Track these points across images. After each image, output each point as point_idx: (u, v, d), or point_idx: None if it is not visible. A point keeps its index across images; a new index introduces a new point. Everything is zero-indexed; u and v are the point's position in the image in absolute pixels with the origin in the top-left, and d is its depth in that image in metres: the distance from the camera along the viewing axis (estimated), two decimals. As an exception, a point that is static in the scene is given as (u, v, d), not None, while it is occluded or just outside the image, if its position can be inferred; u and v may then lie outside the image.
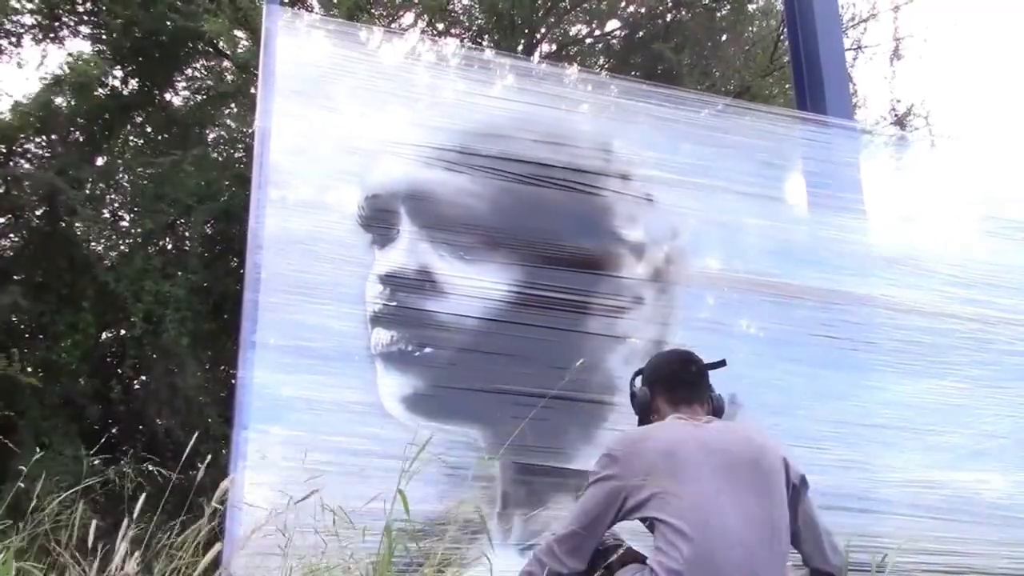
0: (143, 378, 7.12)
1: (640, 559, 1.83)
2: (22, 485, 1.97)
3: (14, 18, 6.99)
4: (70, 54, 6.98)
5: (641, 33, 8.92)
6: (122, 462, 2.08)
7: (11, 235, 7.02)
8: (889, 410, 2.91)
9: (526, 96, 3.06)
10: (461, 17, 8.64)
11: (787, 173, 3.30)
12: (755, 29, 9.29)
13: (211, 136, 8.08)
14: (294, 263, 2.62)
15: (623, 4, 9.03)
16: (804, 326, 3.01)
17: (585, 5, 8.98)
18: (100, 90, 7.10)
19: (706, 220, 3.07)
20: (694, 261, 3.03)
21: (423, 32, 8.21)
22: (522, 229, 2.83)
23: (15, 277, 6.75)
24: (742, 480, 1.80)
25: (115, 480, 2.05)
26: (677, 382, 2.02)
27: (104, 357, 7.17)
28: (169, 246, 7.30)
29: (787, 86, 8.14)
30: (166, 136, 7.75)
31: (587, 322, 2.82)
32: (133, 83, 7.42)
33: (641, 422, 2.09)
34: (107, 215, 7.33)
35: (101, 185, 7.19)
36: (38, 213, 6.78)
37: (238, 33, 7.22)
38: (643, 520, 1.82)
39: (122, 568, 1.63)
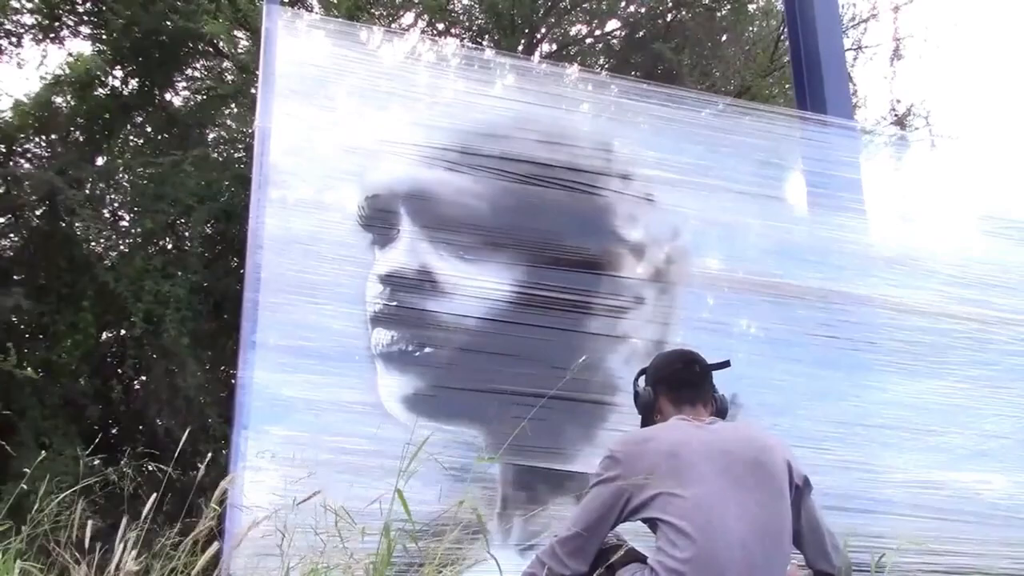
0: (143, 378, 7.12)
1: (640, 558, 1.83)
2: (24, 487, 1.97)
3: (14, 18, 6.99)
4: (70, 54, 6.99)
5: (641, 33, 8.91)
6: (122, 462, 2.08)
7: (11, 235, 7.02)
8: (889, 410, 2.91)
9: (526, 96, 3.06)
10: (461, 17, 8.63)
11: (787, 173, 3.30)
12: (755, 29, 9.28)
13: (211, 136, 8.07)
14: (294, 263, 2.62)
15: (623, 4, 9.02)
16: (804, 326, 3.01)
17: (585, 5, 8.98)
18: (100, 90, 7.09)
19: (706, 220, 3.07)
20: (695, 261, 3.03)
21: (423, 32, 8.21)
22: (522, 229, 2.83)
23: (15, 277, 6.75)
24: (745, 481, 1.80)
25: (115, 480, 2.05)
26: (681, 383, 2.02)
27: (104, 357, 7.16)
28: (169, 246, 7.30)
29: (787, 86, 8.14)
30: (166, 136, 7.74)
31: (588, 322, 2.82)
32: (133, 83, 7.41)
33: (644, 422, 2.09)
34: (107, 215, 7.33)
35: (101, 185, 7.19)
36: (38, 213, 6.78)
37: (238, 33, 7.22)
38: (645, 520, 1.82)
39: (120, 568, 1.63)
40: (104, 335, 7.13)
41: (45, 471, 2.09)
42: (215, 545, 1.74)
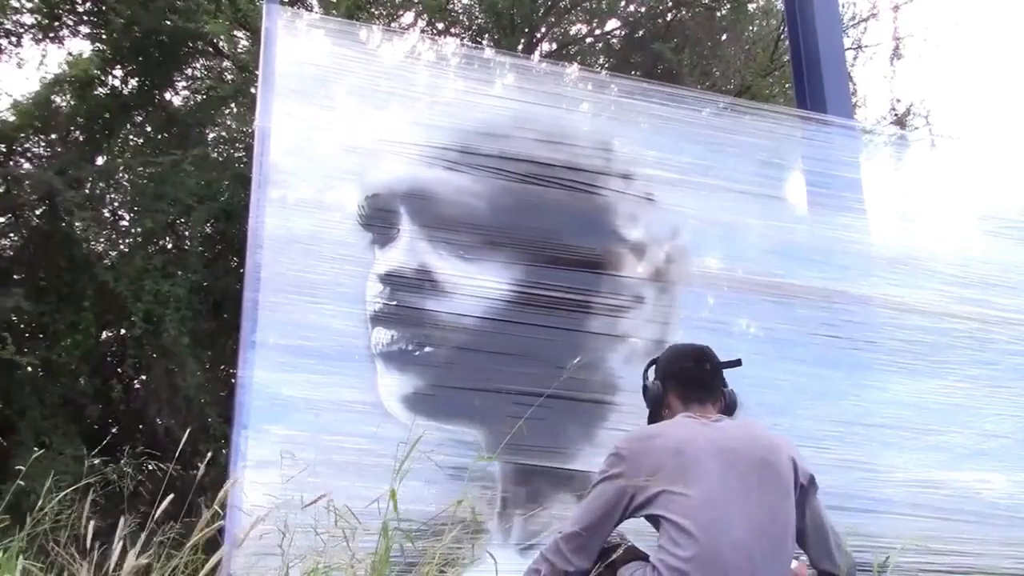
0: (143, 377, 7.11)
1: (642, 557, 1.83)
2: (21, 483, 1.97)
3: (14, 18, 6.99)
4: (70, 53, 6.99)
5: (641, 33, 8.91)
6: (122, 462, 2.08)
7: (11, 235, 7.02)
8: (890, 409, 2.91)
9: (526, 95, 3.06)
10: (461, 16, 8.63)
11: (787, 172, 3.29)
12: (755, 29, 9.28)
13: (211, 136, 8.07)
14: (294, 263, 2.61)
15: (623, 4, 9.02)
16: (805, 325, 3.01)
17: (585, 4, 8.98)
18: (100, 90, 7.10)
19: (707, 219, 3.07)
20: (695, 260, 3.03)
21: (423, 32, 8.21)
22: (522, 228, 2.83)
23: (15, 277, 6.75)
24: (750, 479, 1.80)
25: (115, 480, 2.05)
26: (691, 381, 2.02)
27: (104, 357, 7.16)
28: (169, 246, 7.30)
29: (787, 86, 8.13)
30: (166, 136, 7.74)
31: (588, 321, 2.82)
32: (133, 82, 7.41)
33: (652, 415, 2.09)
34: (107, 215, 7.33)
35: (101, 185, 7.19)
36: (38, 213, 6.78)
37: (238, 33, 7.22)
38: (649, 518, 1.82)
39: (119, 567, 1.63)
40: (104, 335, 7.13)
41: (45, 470, 2.09)
42: (223, 549, 1.74)
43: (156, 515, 1.81)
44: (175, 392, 6.22)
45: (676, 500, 1.76)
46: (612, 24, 9.23)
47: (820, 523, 1.92)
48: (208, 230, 7.04)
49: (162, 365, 6.38)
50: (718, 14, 8.94)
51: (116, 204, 7.44)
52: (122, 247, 7.10)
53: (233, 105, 7.92)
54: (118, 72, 7.31)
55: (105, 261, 6.50)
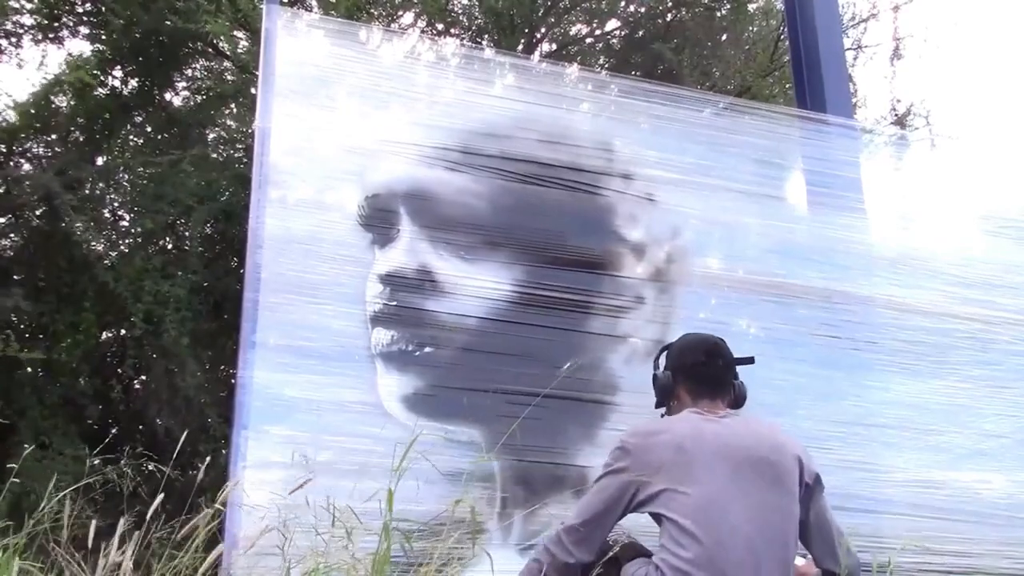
0: (143, 378, 7.11)
1: (646, 554, 1.83)
2: (17, 480, 1.97)
3: (14, 18, 6.99)
4: (70, 54, 6.99)
5: (641, 33, 8.91)
6: (122, 462, 2.08)
7: (11, 235, 7.01)
8: (890, 410, 2.91)
9: (526, 95, 3.06)
10: (461, 17, 8.63)
11: (787, 172, 3.29)
12: (755, 29, 9.28)
13: (211, 136, 8.07)
14: (294, 263, 2.61)
15: (623, 4, 9.02)
16: (805, 325, 3.00)
17: (585, 5, 8.97)
18: (100, 90, 7.09)
19: (707, 219, 3.07)
20: (695, 260, 3.03)
21: (422, 32, 8.21)
22: (523, 229, 2.83)
23: (15, 277, 6.74)
24: (754, 478, 1.80)
25: (115, 479, 2.05)
26: (702, 377, 2.00)
27: (104, 357, 7.16)
28: (169, 246, 7.30)
29: (787, 86, 8.13)
30: (166, 136, 7.74)
31: (588, 322, 2.82)
32: (133, 83, 7.41)
33: (659, 403, 2.09)
34: (107, 215, 7.33)
35: (101, 185, 7.19)
36: (38, 213, 6.78)
37: (238, 33, 7.22)
38: (651, 515, 1.82)
39: (118, 567, 1.62)
40: (104, 335, 7.13)
41: (45, 470, 2.09)
42: (219, 547, 1.74)
43: (151, 514, 1.81)
44: (175, 392, 6.22)
45: (678, 499, 1.75)
46: (612, 24, 9.23)
47: (825, 522, 1.91)
48: (208, 230, 7.04)
49: (162, 365, 6.38)
50: (718, 14, 8.94)
51: (116, 205, 7.44)
52: (122, 247, 7.10)
53: (233, 105, 7.92)
54: (118, 72, 7.31)
55: (105, 262, 6.49)
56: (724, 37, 8.92)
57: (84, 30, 7.31)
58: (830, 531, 1.91)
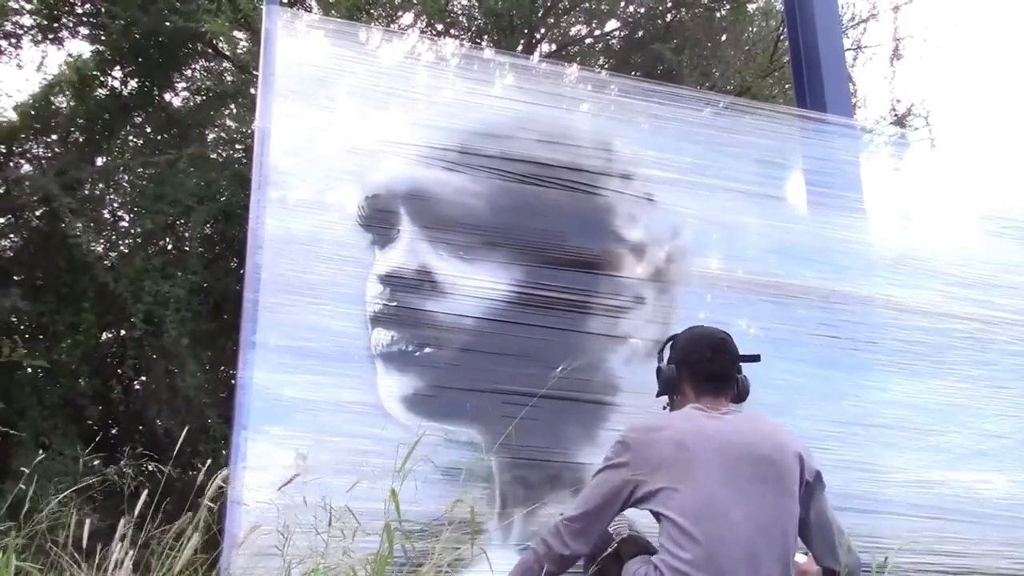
0: (143, 378, 7.11)
1: (650, 550, 1.83)
2: (23, 487, 1.97)
3: (13, 19, 6.99)
4: (70, 54, 6.99)
5: (640, 33, 8.91)
6: (121, 462, 2.08)
7: (11, 235, 7.01)
8: (890, 410, 2.91)
9: (526, 95, 3.06)
10: (460, 17, 8.63)
11: (787, 172, 3.30)
12: (755, 29, 9.28)
13: (211, 136, 8.07)
14: (294, 263, 2.61)
15: (622, 4, 9.02)
16: (804, 325, 3.01)
17: (584, 5, 8.97)
18: (100, 91, 7.09)
19: (707, 219, 3.07)
20: (695, 260, 3.03)
21: (422, 33, 8.21)
22: (522, 229, 2.83)
23: (15, 278, 6.74)
24: (755, 476, 1.80)
25: (115, 480, 2.05)
26: (707, 375, 1.99)
27: (104, 357, 7.16)
28: (169, 246, 7.30)
29: (787, 86, 8.13)
30: (166, 136, 7.74)
31: (588, 322, 2.82)
32: (133, 83, 7.41)
33: (661, 394, 2.09)
34: (107, 215, 7.33)
35: (100, 185, 7.19)
36: (38, 214, 6.78)
37: (238, 34, 7.22)
38: (651, 512, 1.82)
39: (118, 567, 1.62)
40: (104, 335, 7.13)
41: (45, 471, 2.09)
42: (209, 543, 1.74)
43: (152, 516, 1.81)
44: (175, 393, 6.22)
45: (677, 497, 1.76)
46: (611, 25, 9.23)
47: (825, 521, 1.91)
48: (208, 231, 7.04)
49: (162, 366, 6.37)
50: (718, 15, 8.94)
51: (116, 205, 7.44)
52: (122, 248, 7.10)
53: (233, 106, 7.92)
54: (117, 73, 7.31)
55: (105, 262, 6.49)
56: (724, 37, 8.92)
57: (84, 31, 7.31)
58: (831, 529, 1.91)
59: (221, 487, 1.84)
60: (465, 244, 2.77)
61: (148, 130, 7.95)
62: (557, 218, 2.88)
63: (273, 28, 2.84)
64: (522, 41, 8.31)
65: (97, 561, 1.73)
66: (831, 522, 1.92)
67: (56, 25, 7.19)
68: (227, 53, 7.47)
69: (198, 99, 7.97)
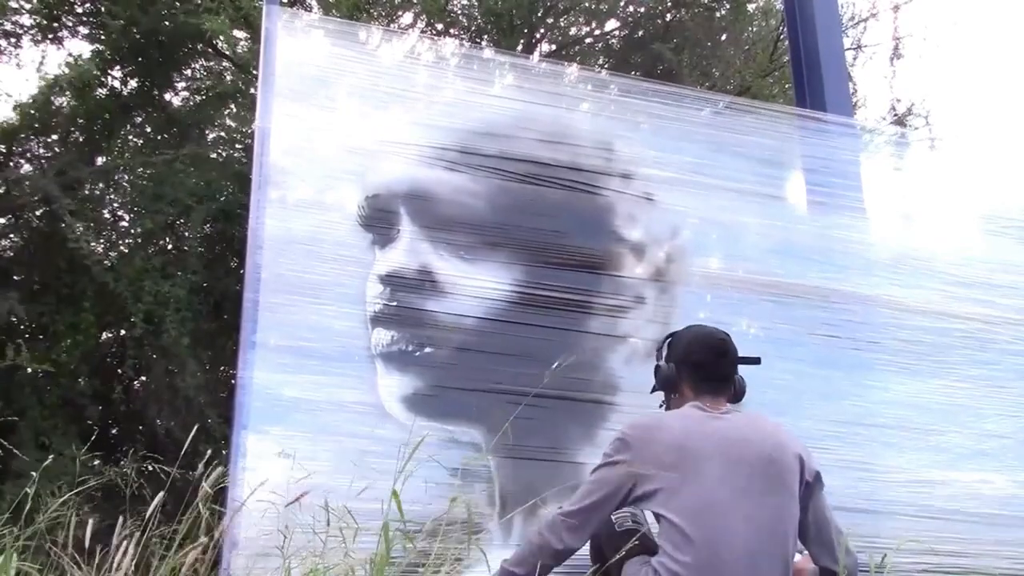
0: (143, 378, 7.11)
1: (652, 549, 1.82)
2: (28, 491, 1.97)
3: (13, 19, 6.99)
4: (70, 54, 6.99)
5: (640, 33, 8.91)
6: (121, 463, 2.08)
7: (11, 235, 7.01)
8: (890, 410, 2.91)
9: (526, 95, 3.06)
10: (460, 17, 8.62)
11: (787, 172, 3.29)
12: (754, 29, 9.28)
13: (211, 136, 8.07)
14: (294, 263, 2.61)
15: (622, 4, 9.02)
16: (805, 325, 3.00)
17: (584, 5, 8.97)
18: (100, 90, 7.09)
19: (707, 219, 3.07)
20: (695, 260, 3.03)
21: (422, 32, 8.21)
22: (522, 228, 2.83)
23: (15, 278, 6.74)
24: (754, 476, 1.80)
25: (115, 480, 2.05)
26: (707, 376, 1.99)
27: (104, 357, 7.15)
28: (169, 246, 7.30)
29: (787, 86, 8.13)
30: (166, 136, 7.74)
31: (588, 322, 2.82)
32: (132, 83, 7.41)
33: (656, 389, 2.10)
34: (107, 215, 7.32)
35: (100, 185, 7.19)
36: (38, 214, 6.78)
37: (238, 32, 7.21)
38: (652, 512, 1.82)
39: (119, 568, 1.62)
40: (104, 335, 7.12)
41: (44, 471, 2.09)
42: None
43: (152, 515, 1.81)
44: (175, 393, 6.21)
45: (675, 499, 1.76)
46: (611, 24, 9.22)
47: (823, 521, 1.91)
48: (208, 230, 7.03)
49: (162, 366, 6.37)
50: (718, 14, 8.94)
51: (116, 205, 7.44)
52: (122, 248, 7.10)
53: (232, 105, 7.92)
54: (117, 73, 7.31)
55: (105, 262, 6.49)
56: (724, 37, 8.92)
57: (83, 30, 7.31)
58: (829, 530, 1.91)
59: (222, 488, 1.84)
60: (466, 244, 2.77)
61: (148, 130, 7.95)
62: (557, 218, 2.88)
63: (273, 28, 2.84)
64: (522, 41, 8.31)
65: (97, 561, 1.73)
66: (830, 522, 1.92)
67: (56, 25, 7.19)
68: (227, 52, 7.47)
69: (198, 99, 7.96)
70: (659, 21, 8.97)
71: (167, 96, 7.88)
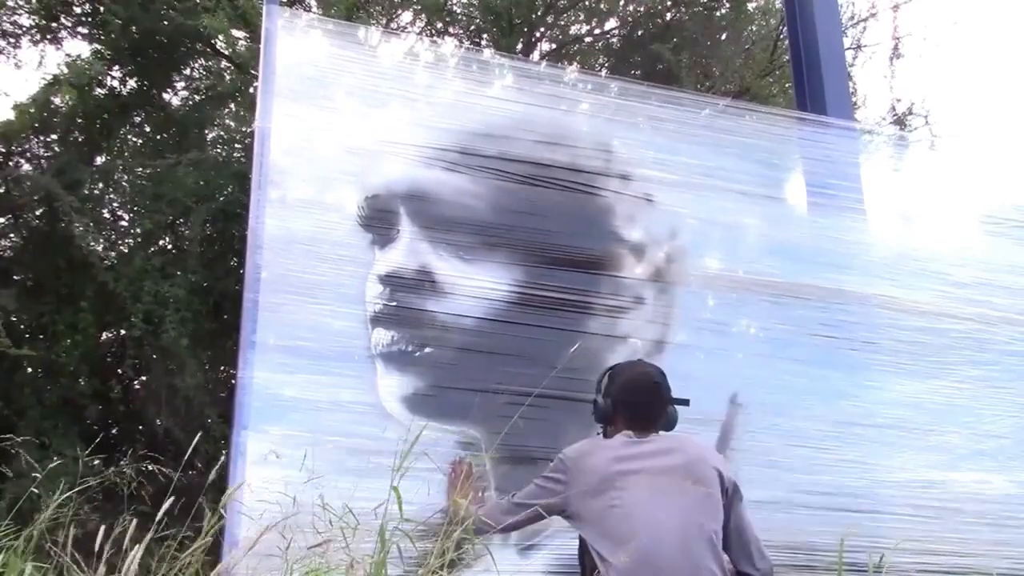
0: (143, 378, 7.11)
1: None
2: (35, 491, 1.97)
3: (12, 19, 6.99)
4: (68, 54, 6.99)
5: (640, 32, 8.91)
6: (122, 463, 2.08)
7: (11, 235, 7.02)
8: (889, 410, 2.91)
9: (525, 96, 3.06)
10: (460, 16, 8.62)
11: (787, 173, 3.30)
12: (754, 28, 9.28)
13: (210, 136, 8.07)
14: (294, 263, 2.61)
15: (622, 3, 9.02)
16: (804, 326, 3.01)
17: (584, 4, 8.97)
18: (99, 90, 7.09)
19: (706, 220, 3.07)
20: (694, 261, 3.03)
21: (421, 31, 8.21)
22: (522, 229, 2.83)
23: (15, 277, 6.75)
24: (675, 479, 1.99)
25: (116, 481, 2.05)
26: (639, 415, 2.17)
27: (104, 357, 7.16)
28: (169, 246, 7.30)
29: (787, 85, 8.13)
30: (165, 136, 7.74)
31: (587, 322, 2.82)
32: (132, 83, 7.41)
33: (597, 421, 2.29)
34: (107, 215, 7.33)
35: (100, 185, 7.19)
36: (38, 213, 6.78)
37: (236, 32, 7.21)
38: (578, 529, 2.04)
39: (123, 569, 1.63)
40: (104, 335, 7.13)
41: (44, 471, 2.09)
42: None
43: (151, 515, 1.81)
44: (175, 393, 6.22)
45: (601, 524, 1.95)
46: (611, 24, 9.23)
47: (741, 529, 2.07)
48: (207, 230, 7.03)
49: (162, 366, 6.38)
50: (717, 14, 8.94)
51: (115, 205, 7.44)
52: (121, 248, 7.10)
53: (232, 105, 7.92)
54: (116, 72, 7.31)
55: (105, 262, 6.49)
56: (724, 36, 8.92)
57: (83, 30, 7.31)
58: (746, 537, 2.08)
59: (222, 488, 1.85)
60: (465, 244, 2.77)
61: (147, 129, 7.96)
62: (557, 218, 2.88)
63: (273, 28, 2.84)
64: (521, 40, 8.32)
65: (97, 562, 1.73)
66: (748, 531, 2.09)
67: (55, 25, 7.19)
68: (226, 52, 7.47)
69: (197, 98, 7.96)
70: (659, 20, 8.98)
71: (166, 96, 7.89)
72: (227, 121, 8.21)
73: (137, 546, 1.66)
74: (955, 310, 3.09)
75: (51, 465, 2.13)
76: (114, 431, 7.22)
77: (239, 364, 2.46)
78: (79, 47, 7.33)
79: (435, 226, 2.77)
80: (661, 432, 2.16)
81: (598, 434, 2.29)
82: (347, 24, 3.64)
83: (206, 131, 7.98)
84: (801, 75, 3.70)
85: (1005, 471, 2.96)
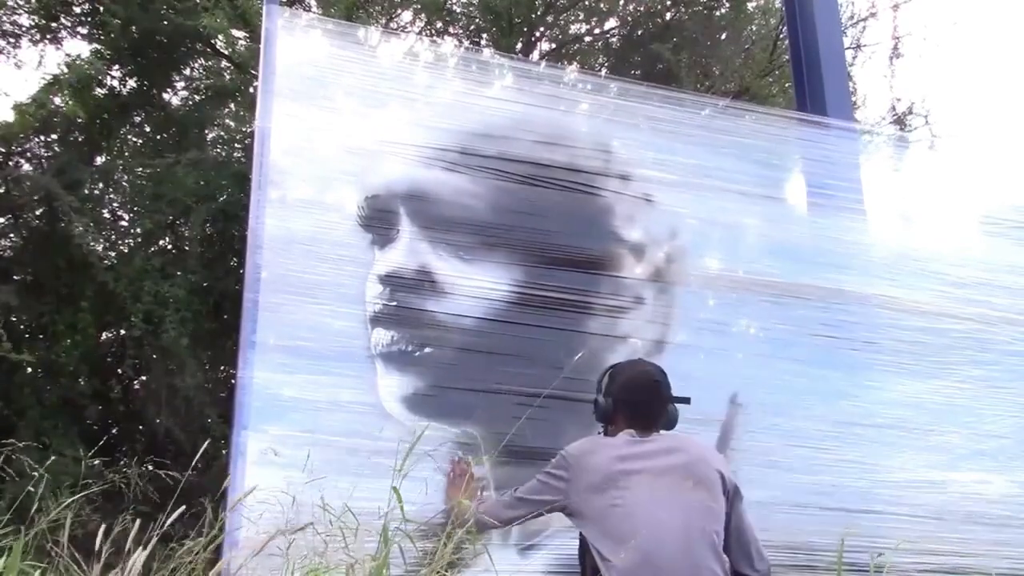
0: (143, 378, 7.11)
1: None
2: (32, 490, 1.97)
3: (11, 19, 6.99)
4: (68, 54, 6.98)
5: (640, 32, 8.91)
6: (122, 463, 2.08)
7: (11, 235, 7.01)
8: (889, 410, 2.92)
9: (525, 96, 3.06)
10: (459, 16, 8.62)
11: (787, 173, 3.30)
12: (754, 28, 9.28)
13: (210, 136, 8.06)
14: (294, 263, 2.61)
15: (621, 3, 9.02)
16: (804, 326, 3.01)
17: (584, 3, 8.97)
18: (99, 90, 7.09)
19: (706, 220, 3.07)
20: (694, 261, 3.03)
21: (421, 31, 8.21)
22: (522, 229, 2.83)
23: (15, 277, 6.74)
24: (677, 479, 2.00)
25: (116, 481, 2.05)
26: (639, 411, 2.17)
27: (104, 357, 7.15)
28: (169, 246, 7.30)
29: (787, 85, 8.13)
30: (165, 136, 7.74)
31: (587, 322, 2.82)
32: (131, 83, 7.41)
33: (598, 420, 2.30)
34: (107, 215, 7.32)
35: (100, 185, 7.19)
36: (37, 213, 6.78)
37: (236, 32, 7.21)
38: (579, 527, 2.04)
39: (126, 569, 1.63)
40: (104, 335, 7.12)
41: (44, 471, 2.09)
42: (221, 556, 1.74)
43: (151, 515, 1.81)
44: (175, 393, 6.21)
45: (610, 513, 1.94)
46: (611, 24, 9.22)
47: (741, 530, 2.08)
48: (207, 230, 7.03)
49: (162, 366, 6.37)
50: (717, 13, 8.94)
51: (115, 205, 7.44)
52: (121, 248, 7.10)
53: (232, 105, 7.92)
54: (116, 72, 7.31)
55: (104, 262, 6.48)
56: (723, 36, 8.92)
57: (82, 30, 7.31)
58: (746, 538, 2.08)
59: (222, 488, 1.85)
60: (465, 244, 2.77)
61: (147, 129, 7.96)
62: (556, 218, 2.88)
63: (273, 28, 2.84)
64: (521, 40, 8.32)
65: (99, 563, 1.73)
66: (747, 532, 2.10)
67: (54, 25, 7.19)
68: (226, 52, 7.47)
69: (197, 98, 7.96)
70: (659, 20, 8.98)
71: (166, 95, 7.88)
72: (227, 121, 8.20)
73: (140, 548, 1.66)
74: (955, 310, 3.09)
75: (47, 462, 2.12)
76: (114, 431, 7.22)
77: (239, 364, 2.46)
78: (79, 47, 7.33)
79: (435, 226, 2.77)
80: (663, 431, 2.17)
81: (599, 433, 2.29)
82: (347, 24, 3.64)
83: (206, 131, 7.98)
84: (801, 75, 3.71)
85: (1005, 471, 2.96)
